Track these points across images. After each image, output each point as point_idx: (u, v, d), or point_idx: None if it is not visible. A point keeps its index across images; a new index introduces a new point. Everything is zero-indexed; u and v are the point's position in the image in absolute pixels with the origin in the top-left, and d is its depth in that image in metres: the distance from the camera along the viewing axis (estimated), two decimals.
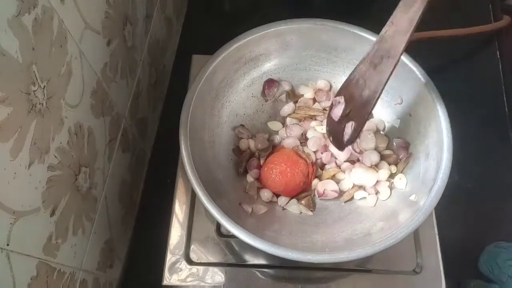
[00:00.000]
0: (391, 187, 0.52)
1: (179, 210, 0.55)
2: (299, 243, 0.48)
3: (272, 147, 0.56)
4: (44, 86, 0.34)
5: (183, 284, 0.51)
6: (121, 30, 0.50)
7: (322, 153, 0.55)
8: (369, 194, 0.53)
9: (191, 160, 0.46)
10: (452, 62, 0.76)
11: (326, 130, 0.50)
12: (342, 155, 0.54)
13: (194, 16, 0.79)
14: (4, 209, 0.30)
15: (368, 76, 0.44)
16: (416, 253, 0.53)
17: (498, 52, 0.75)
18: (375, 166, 0.53)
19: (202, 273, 0.52)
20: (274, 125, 0.58)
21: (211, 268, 0.52)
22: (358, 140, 0.55)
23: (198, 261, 0.52)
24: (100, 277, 0.50)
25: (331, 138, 0.50)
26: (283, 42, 0.56)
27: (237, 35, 0.54)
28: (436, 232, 0.53)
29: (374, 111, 0.57)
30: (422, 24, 0.41)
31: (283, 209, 0.53)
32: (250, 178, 0.54)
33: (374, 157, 0.53)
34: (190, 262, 0.52)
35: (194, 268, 0.52)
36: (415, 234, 0.53)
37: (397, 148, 0.54)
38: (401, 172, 0.52)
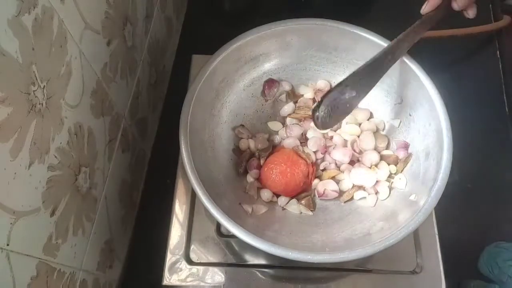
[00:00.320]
0: (391, 187, 0.52)
1: (179, 210, 0.55)
2: (299, 243, 0.48)
3: (272, 147, 0.56)
4: (44, 86, 0.34)
5: (183, 284, 0.51)
6: (121, 30, 0.50)
7: (322, 154, 0.55)
8: (369, 194, 0.52)
9: (191, 160, 0.46)
10: (452, 62, 0.76)
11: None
12: (343, 157, 0.54)
13: (194, 16, 0.79)
14: (4, 209, 0.30)
15: None
16: (416, 253, 0.53)
17: (498, 52, 0.75)
18: (375, 166, 0.53)
19: (202, 273, 0.52)
20: (274, 125, 0.58)
21: (211, 268, 0.52)
22: (358, 140, 0.55)
23: (198, 261, 0.52)
24: (100, 277, 0.50)
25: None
26: (283, 42, 0.56)
27: (237, 35, 0.53)
28: (436, 232, 0.53)
29: (374, 111, 0.57)
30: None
31: (283, 209, 0.53)
32: (250, 178, 0.54)
33: (374, 157, 0.53)
34: (190, 262, 0.52)
35: (194, 268, 0.52)
36: (415, 234, 0.53)
37: (397, 148, 0.54)
38: (401, 172, 0.52)
